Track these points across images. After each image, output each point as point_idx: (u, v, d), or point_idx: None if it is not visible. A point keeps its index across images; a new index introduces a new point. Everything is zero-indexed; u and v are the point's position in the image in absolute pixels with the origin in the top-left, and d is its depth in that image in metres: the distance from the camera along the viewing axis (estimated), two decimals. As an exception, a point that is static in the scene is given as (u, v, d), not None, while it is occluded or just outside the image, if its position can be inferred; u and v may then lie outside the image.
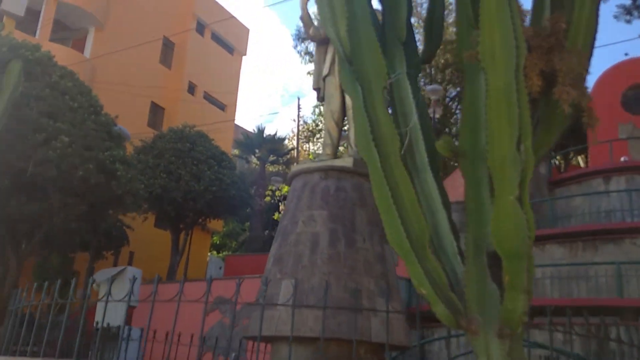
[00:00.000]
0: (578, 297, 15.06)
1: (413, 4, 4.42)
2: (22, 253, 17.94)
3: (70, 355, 7.62)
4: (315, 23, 9.87)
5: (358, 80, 3.71)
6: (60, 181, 16.44)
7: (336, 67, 9.04)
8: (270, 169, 42.14)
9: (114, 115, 19.89)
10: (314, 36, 9.59)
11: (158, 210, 26.33)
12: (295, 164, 36.73)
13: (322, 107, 36.15)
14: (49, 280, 6.92)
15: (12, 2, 26.83)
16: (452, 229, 3.75)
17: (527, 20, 3.57)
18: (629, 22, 18.55)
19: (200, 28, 37.40)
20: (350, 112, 8.80)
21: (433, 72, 32.03)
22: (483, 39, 2.95)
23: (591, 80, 25.09)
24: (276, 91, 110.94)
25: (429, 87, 24.38)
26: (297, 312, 6.13)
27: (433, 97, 24.07)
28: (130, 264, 26.57)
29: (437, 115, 25.99)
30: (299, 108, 38.71)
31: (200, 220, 28.20)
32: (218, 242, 41.52)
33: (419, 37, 18.52)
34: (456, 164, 24.80)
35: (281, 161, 42.14)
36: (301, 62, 55.88)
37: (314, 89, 9.66)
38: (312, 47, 36.67)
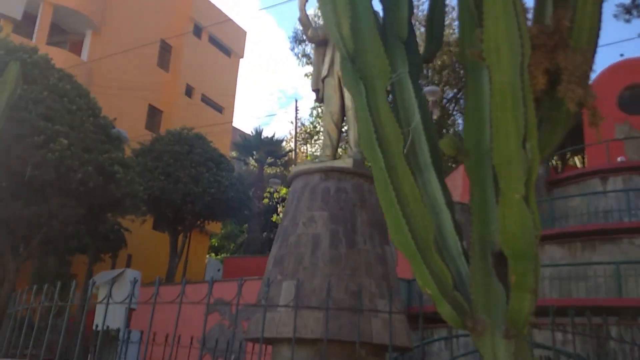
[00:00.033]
0: (577, 297, 15.07)
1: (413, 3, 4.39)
2: (20, 256, 17.90)
3: (70, 358, 7.60)
4: (314, 25, 9.87)
5: (361, 79, 3.70)
6: (59, 184, 16.42)
7: (335, 69, 9.04)
8: (268, 171, 42.14)
9: (112, 118, 19.88)
10: (312, 37, 9.58)
11: (156, 213, 26.31)
12: (293, 165, 36.76)
13: (320, 109, 36.16)
14: (47, 284, 6.88)
15: (9, 5, 26.83)
16: (456, 228, 3.73)
17: (530, 18, 3.55)
18: (628, 21, 18.56)
19: (198, 31, 37.40)
20: (349, 113, 8.79)
21: (430, 73, 32.06)
22: (487, 36, 2.93)
23: (588, 81, 25.11)
24: (273, 93, 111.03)
25: (426, 89, 24.37)
26: (298, 314, 6.11)
27: (430, 99, 24.08)
28: (128, 266, 26.52)
29: (434, 117, 26.05)
30: (296, 110, 38.57)
31: (198, 222, 28.20)
32: (216, 245, 41.51)
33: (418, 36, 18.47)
34: (454, 165, 24.76)
35: (279, 163, 42.14)
36: (298, 64, 56.02)
37: (313, 90, 9.64)
38: (309, 49, 36.72)
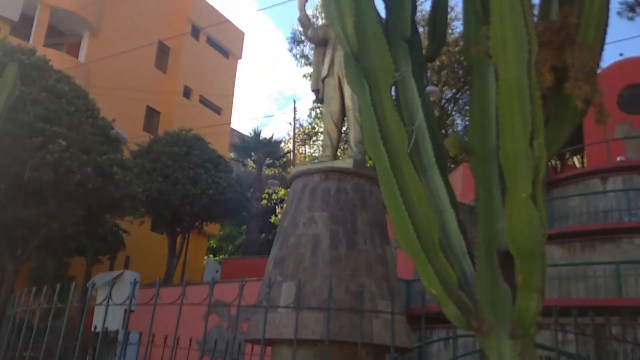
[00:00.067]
0: (577, 297, 15.05)
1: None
2: (19, 258, 17.84)
3: (70, 360, 7.56)
4: (314, 24, 9.83)
5: (365, 77, 3.66)
6: (58, 185, 16.36)
7: (335, 69, 9.00)
8: (267, 172, 42.07)
9: (111, 119, 19.83)
10: (312, 37, 9.53)
11: (154, 214, 26.26)
12: (291, 167, 36.69)
13: (318, 110, 36.15)
14: (45, 285, 6.84)
15: (6, 6, 26.76)
16: (460, 228, 3.70)
17: (535, 14, 3.51)
18: (631, 18, 18.57)
19: (195, 32, 37.36)
20: (350, 113, 8.76)
21: (429, 73, 32.05)
22: (494, 33, 2.90)
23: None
24: (270, 95, 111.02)
25: (425, 89, 24.35)
26: (298, 315, 6.08)
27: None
28: (126, 268, 26.46)
29: (433, 117, 25.97)
30: (294, 111, 38.52)
31: (196, 223, 28.16)
32: (214, 246, 41.47)
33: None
34: (452, 166, 24.75)
35: (278, 164, 42.08)
36: (297, 65, 55.90)
37: (313, 90, 9.60)
38: (307, 50, 36.72)
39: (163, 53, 35.36)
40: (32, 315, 8.53)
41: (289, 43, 45.88)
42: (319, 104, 10.03)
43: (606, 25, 3.35)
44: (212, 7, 38.83)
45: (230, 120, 40.12)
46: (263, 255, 28.49)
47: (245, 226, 38.27)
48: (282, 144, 42.63)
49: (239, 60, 41.35)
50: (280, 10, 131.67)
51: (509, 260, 3.21)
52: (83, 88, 19.43)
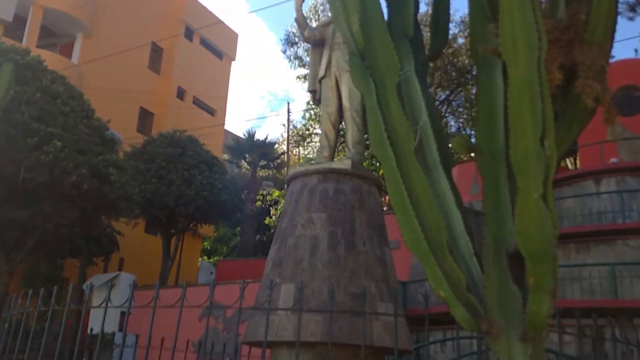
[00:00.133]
0: (572, 299, 15.05)
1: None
2: (13, 259, 17.74)
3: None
4: (312, 25, 9.79)
5: (371, 75, 3.62)
6: (53, 186, 16.28)
7: (332, 69, 8.97)
8: (261, 174, 42.01)
9: (105, 120, 19.76)
10: (309, 38, 9.48)
11: (149, 216, 26.18)
12: (285, 168, 36.67)
13: (312, 112, 36.12)
14: (39, 287, 6.79)
15: (-1, 6, 26.62)
16: (467, 229, 3.65)
17: (542, 12, 3.47)
18: (631, 18, 18.58)
19: (189, 33, 37.30)
20: (347, 114, 8.73)
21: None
22: (503, 31, 2.85)
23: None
24: (264, 96, 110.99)
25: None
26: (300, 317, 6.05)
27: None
28: (120, 270, 26.37)
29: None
30: (288, 112, 38.46)
31: (191, 225, 28.08)
32: (209, 247, 41.38)
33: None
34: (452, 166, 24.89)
35: (272, 166, 42.01)
36: (290, 67, 55.86)
37: (309, 91, 9.56)
38: (301, 51, 36.66)
39: (156, 54, 35.29)
40: (28, 318, 8.46)
41: (282, 44, 45.82)
42: (314, 106, 10.00)
43: (615, 22, 3.32)
44: (205, 8, 38.79)
45: (224, 121, 40.08)
46: (257, 257, 28.46)
47: (239, 228, 38.22)
48: (276, 146, 42.57)
49: (233, 62, 41.33)
50: (273, 12, 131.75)
51: (518, 262, 3.17)
52: (78, 89, 19.34)
